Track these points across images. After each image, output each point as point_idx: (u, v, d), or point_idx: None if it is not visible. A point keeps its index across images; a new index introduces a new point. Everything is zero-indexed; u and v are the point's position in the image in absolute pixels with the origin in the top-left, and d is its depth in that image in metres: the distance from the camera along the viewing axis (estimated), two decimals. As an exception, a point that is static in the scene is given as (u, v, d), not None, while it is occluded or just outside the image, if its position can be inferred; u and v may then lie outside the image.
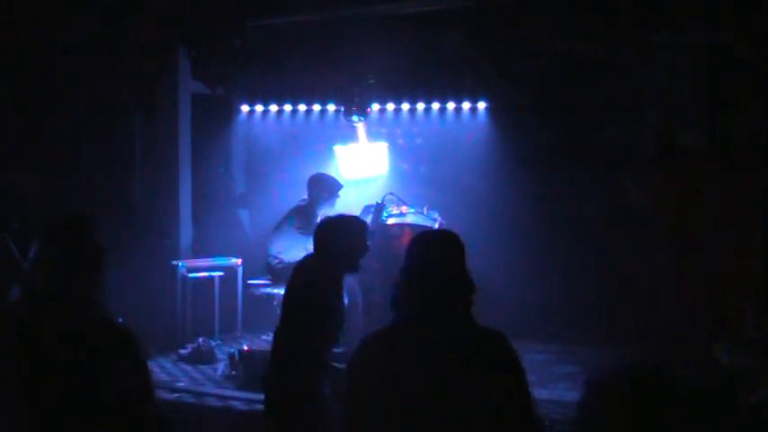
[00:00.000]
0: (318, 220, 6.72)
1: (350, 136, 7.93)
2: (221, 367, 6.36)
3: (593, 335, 6.78)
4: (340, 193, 6.82)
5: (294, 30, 7.76)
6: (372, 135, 8.02)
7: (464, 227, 7.06)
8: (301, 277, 4.02)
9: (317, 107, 8.41)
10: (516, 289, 7.06)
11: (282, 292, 6.54)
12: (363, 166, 7.87)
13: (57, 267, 2.61)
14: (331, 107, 8.29)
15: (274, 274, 6.69)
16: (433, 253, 2.53)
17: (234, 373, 6.10)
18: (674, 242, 7.04)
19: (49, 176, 7.31)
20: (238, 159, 8.73)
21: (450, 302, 2.43)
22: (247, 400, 5.52)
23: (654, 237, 7.19)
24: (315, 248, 4.06)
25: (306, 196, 6.81)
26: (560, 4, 7.14)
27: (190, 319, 7.14)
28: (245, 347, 6.71)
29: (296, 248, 6.64)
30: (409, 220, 6.57)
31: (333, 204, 6.77)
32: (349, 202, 6.93)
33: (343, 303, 4.02)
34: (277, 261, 6.67)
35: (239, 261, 7.46)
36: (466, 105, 7.89)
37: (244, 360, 5.98)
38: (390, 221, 6.55)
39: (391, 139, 8.18)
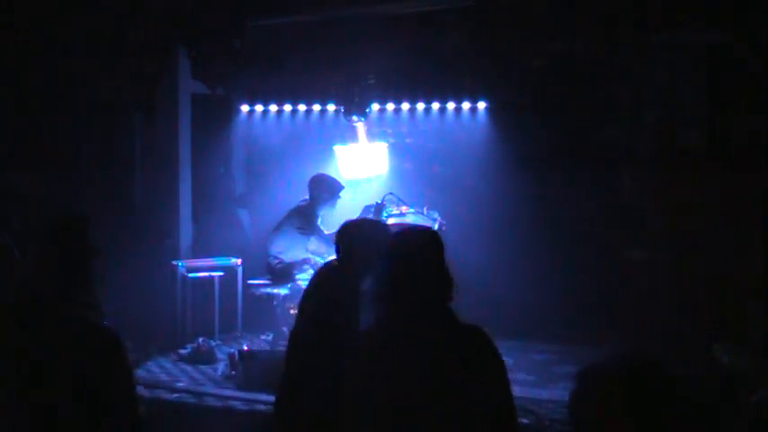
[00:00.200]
0: (319, 221, 6.75)
1: (350, 136, 7.93)
2: (221, 367, 6.36)
3: (593, 335, 6.77)
4: (341, 194, 6.82)
5: (294, 30, 7.76)
6: (372, 135, 8.01)
7: (464, 227, 7.14)
8: (322, 289, 3.69)
9: (316, 107, 8.40)
10: (516, 289, 7.05)
11: (282, 292, 6.62)
12: (363, 166, 7.87)
13: (48, 268, 2.62)
14: (331, 107, 8.28)
15: (274, 274, 6.69)
16: (409, 249, 2.53)
17: (234, 373, 6.10)
18: (674, 242, 7.04)
19: (49, 176, 7.32)
20: (238, 159, 8.72)
21: (428, 298, 2.43)
22: (247, 400, 5.52)
23: (653, 237, 7.19)
24: (337, 255, 3.73)
25: (307, 196, 6.80)
26: (560, 4, 7.14)
27: (190, 319, 7.14)
28: (245, 347, 6.71)
29: (296, 248, 6.65)
30: (409, 220, 6.56)
31: (334, 205, 6.77)
32: (349, 202, 6.93)
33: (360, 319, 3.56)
34: (277, 261, 6.67)
35: (239, 261, 7.46)
36: (466, 105, 7.88)
37: (244, 360, 5.98)
38: (390, 221, 6.55)
39: (391, 138, 8.18)
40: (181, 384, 5.99)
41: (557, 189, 7.43)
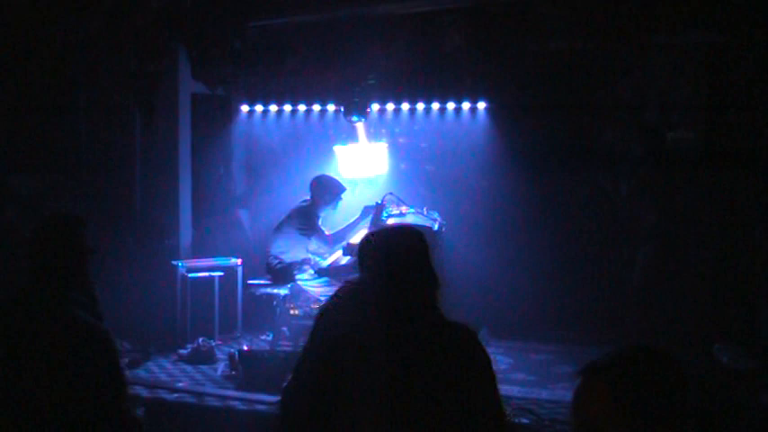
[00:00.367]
0: (320, 221, 6.75)
1: (350, 136, 7.93)
2: (221, 367, 6.36)
3: (593, 335, 6.77)
4: (342, 195, 6.82)
5: (294, 30, 7.76)
6: (372, 135, 8.02)
7: (464, 227, 7.14)
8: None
9: (316, 107, 8.40)
10: (516, 289, 7.06)
11: (282, 292, 6.61)
12: (363, 166, 7.87)
13: (42, 268, 2.62)
14: (331, 107, 8.28)
15: (274, 274, 6.69)
16: (395, 248, 2.53)
17: (234, 373, 6.11)
18: (674, 242, 7.04)
19: (49, 176, 7.32)
20: (238, 159, 8.72)
21: (412, 297, 2.43)
22: (247, 400, 5.52)
23: (653, 236, 7.18)
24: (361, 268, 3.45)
25: (308, 197, 6.80)
26: (560, 4, 7.14)
27: (190, 319, 7.14)
28: (245, 347, 6.72)
29: (296, 249, 6.65)
30: (409, 220, 6.56)
31: (335, 207, 6.78)
32: (349, 202, 6.94)
33: None
34: (277, 261, 6.67)
35: (239, 261, 7.47)
36: (466, 105, 7.88)
37: (244, 360, 5.98)
38: (390, 221, 6.55)
39: (391, 139, 8.18)
40: (181, 384, 5.99)
41: (557, 189, 7.43)
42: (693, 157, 7.06)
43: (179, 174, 7.71)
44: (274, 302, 6.73)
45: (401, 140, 8.23)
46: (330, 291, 6.18)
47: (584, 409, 1.68)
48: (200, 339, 6.78)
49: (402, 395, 2.31)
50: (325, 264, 6.50)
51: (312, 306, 6.68)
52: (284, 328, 6.83)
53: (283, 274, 6.61)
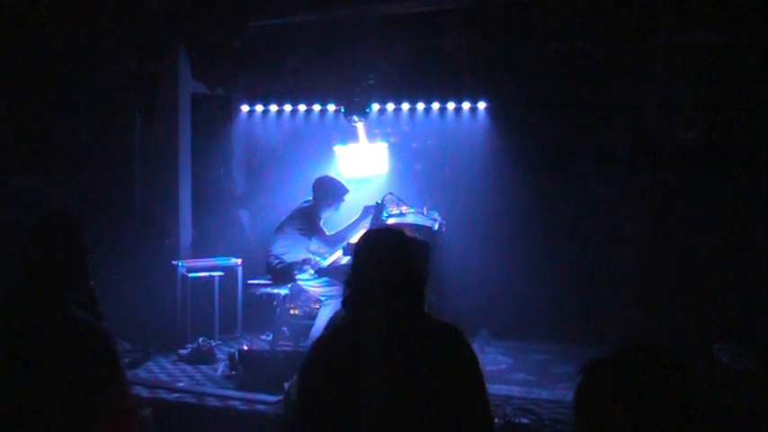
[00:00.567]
0: (321, 222, 6.75)
1: (350, 136, 7.93)
2: (221, 367, 6.36)
3: (592, 335, 6.77)
4: (344, 197, 6.81)
5: (294, 30, 7.76)
6: (372, 135, 8.02)
7: (464, 227, 7.14)
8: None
9: (316, 107, 8.41)
10: (516, 288, 7.06)
11: (282, 292, 6.61)
12: (363, 166, 7.87)
13: (39, 267, 2.62)
14: (331, 107, 8.29)
15: (275, 274, 6.68)
16: (378, 248, 2.51)
17: (234, 373, 6.10)
18: (674, 242, 7.04)
19: (49, 176, 7.31)
20: (238, 159, 8.72)
21: (399, 296, 2.42)
22: (247, 400, 5.52)
23: (653, 236, 7.19)
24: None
25: (310, 197, 6.80)
26: (560, 4, 7.14)
27: (190, 319, 7.14)
28: (245, 347, 6.72)
29: (297, 249, 6.64)
30: (409, 220, 6.56)
31: (337, 208, 6.77)
32: (349, 202, 6.93)
33: None
34: (278, 261, 6.67)
35: (239, 261, 7.47)
36: (466, 105, 7.89)
37: (244, 360, 5.98)
38: (390, 221, 6.55)
39: (391, 139, 8.19)
40: (181, 384, 5.99)
41: (556, 189, 7.43)
42: (694, 157, 7.06)
43: (179, 174, 7.71)
44: (274, 302, 6.73)
45: (401, 140, 8.23)
46: (330, 291, 6.23)
47: (585, 407, 1.67)
48: (201, 339, 6.78)
49: (389, 395, 2.30)
50: (325, 264, 6.50)
51: (312, 306, 6.69)
52: (284, 328, 6.84)
53: (284, 273, 6.61)
